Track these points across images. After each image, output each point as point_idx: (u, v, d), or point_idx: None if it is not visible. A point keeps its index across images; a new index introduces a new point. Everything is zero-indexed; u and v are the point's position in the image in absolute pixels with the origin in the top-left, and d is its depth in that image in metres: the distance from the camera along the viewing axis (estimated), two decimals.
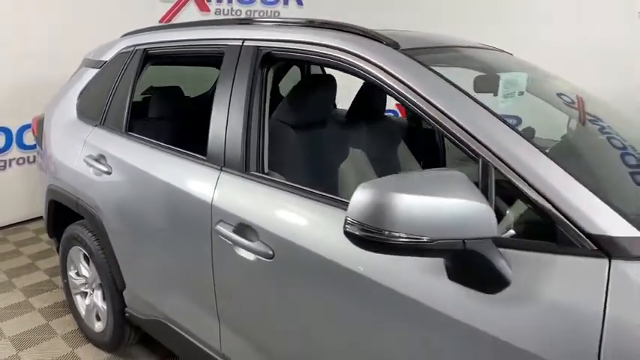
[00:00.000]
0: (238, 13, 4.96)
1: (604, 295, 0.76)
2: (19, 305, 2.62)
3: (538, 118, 1.76)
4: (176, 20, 4.71)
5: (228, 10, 4.92)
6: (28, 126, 3.48)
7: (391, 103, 3.08)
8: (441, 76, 1.05)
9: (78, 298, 2.30)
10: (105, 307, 2.07)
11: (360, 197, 0.80)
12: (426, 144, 2.18)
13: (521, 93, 1.33)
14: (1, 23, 3.35)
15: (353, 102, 2.03)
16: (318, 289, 1.15)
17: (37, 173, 2.65)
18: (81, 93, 2.21)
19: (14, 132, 3.72)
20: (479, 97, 1.06)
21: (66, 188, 2.11)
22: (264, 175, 1.34)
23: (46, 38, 3.52)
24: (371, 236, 0.79)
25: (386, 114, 2.23)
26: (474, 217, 0.79)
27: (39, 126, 2.45)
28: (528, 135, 0.98)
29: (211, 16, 4.89)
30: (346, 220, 0.81)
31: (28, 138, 3.74)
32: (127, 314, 1.93)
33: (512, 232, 0.91)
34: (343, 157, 1.78)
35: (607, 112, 1.57)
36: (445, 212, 0.79)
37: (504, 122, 0.96)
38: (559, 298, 0.80)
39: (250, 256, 1.26)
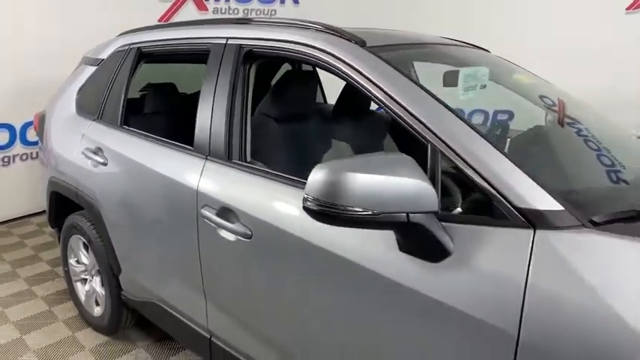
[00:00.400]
0: (236, 11, 5.06)
1: (527, 261, 0.86)
2: (22, 293, 2.75)
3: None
4: (175, 19, 4.83)
5: (225, 9, 5.02)
6: (31, 123, 3.61)
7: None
8: (400, 71, 1.16)
9: (78, 285, 2.42)
10: (103, 292, 2.19)
11: (316, 176, 0.90)
12: (411, 138, 2.28)
13: (484, 86, 1.44)
14: (4, 25, 3.47)
15: (339, 97, 2.14)
16: (292, 265, 1.26)
17: (39, 168, 2.77)
18: (80, 89, 2.33)
19: (18, 129, 3.84)
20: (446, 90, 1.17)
21: (66, 180, 2.23)
22: (245, 164, 1.45)
23: (47, 38, 3.64)
24: (326, 210, 0.90)
25: (373, 109, 2.34)
26: (416, 193, 0.90)
27: (40, 121, 2.58)
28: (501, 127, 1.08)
29: (209, 15, 4.99)
30: (304, 196, 0.92)
31: (31, 135, 3.87)
32: (123, 297, 2.05)
33: (458, 209, 1.01)
34: (327, 149, 1.89)
35: (577, 107, 1.66)
36: (391, 189, 0.89)
37: (451, 111, 1.06)
38: (492, 265, 0.90)
39: (231, 237, 1.37)
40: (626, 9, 4.02)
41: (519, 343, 0.84)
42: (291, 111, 1.74)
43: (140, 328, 2.34)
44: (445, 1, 4.93)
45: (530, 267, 0.85)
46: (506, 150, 1.31)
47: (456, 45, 1.82)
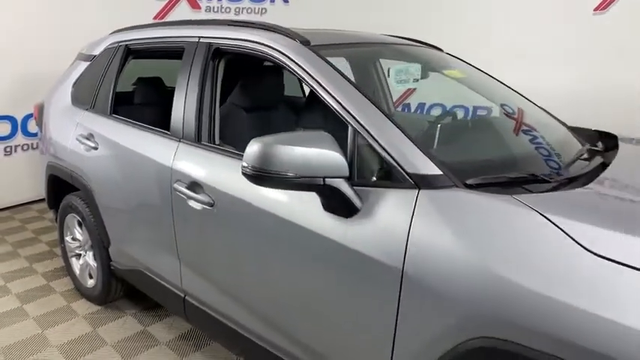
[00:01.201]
0: (227, 10, 5.29)
1: (412, 212, 1.10)
2: (23, 270, 3.00)
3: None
4: (169, 17, 5.08)
5: (217, 8, 5.26)
6: (31, 115, 3.87)
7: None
8: (333, 67, 1.40)
9: (73, 260, 2.68)
10: (95, 265, 2.45)
11: (252, 148, 1.15)
12: (340, 120, 2.52)
13: (417, 80, 1.68)
14: (6, 24, 3.72)
15: (310, 90, 2.38)
16: (245, 226, 1.50)
17: (39, 158, 3.01)
18: (75, 82, 2.58)
19: (19, 120, 4.10)
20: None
21: (62, 163, 2.48)
22: (212, 145, 1.69)
23: (47, 36, 3.89)
24: (259, 174, 1.15)
25: None
26: (330, 162, 1.14)
27: (39, 112, 2.83)
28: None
29: (202, 13, 5.23)
30: (242, 164, 1.17)
31: (32, 126, 4.13)
32: (112, 267, 2.31)
33: (374, 178, 1.26)
34: None
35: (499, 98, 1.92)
36: (311, 158, 1.14)
37: (369, 99, 1.30)
38: (387, 217, 1.15)
39: (198, 206, 1.62)
40: (593, 10, 4.23)
41: (403, 275, 1.09)
42: (257, 101, 1.98)
43: (129, 299, 2.60)
44: (431, 3, 5.13)
45: (413, 217, 1.10)
46: (437, 132, 1.57)
47: (408, 45, 2.06)
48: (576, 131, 1.96)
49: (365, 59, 1.74)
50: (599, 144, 1.75)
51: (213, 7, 5.23)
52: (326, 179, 1.15)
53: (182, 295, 1.87)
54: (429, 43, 2.38)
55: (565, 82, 4.29)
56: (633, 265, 0.86)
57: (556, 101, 4.39)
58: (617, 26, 4.09)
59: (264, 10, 5.46)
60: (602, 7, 4.20)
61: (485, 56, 4.85)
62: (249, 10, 5.41)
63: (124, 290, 2.51)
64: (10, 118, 4.09)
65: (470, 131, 1.55)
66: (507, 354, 0.94)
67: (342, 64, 1.42)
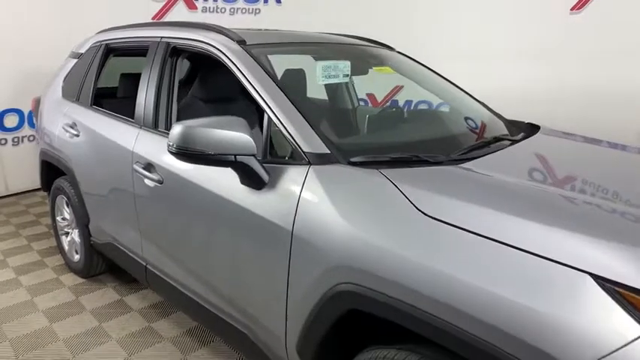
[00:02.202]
0: (222, 10, 5.55)
1: (302, 184, 1.33)
2: (22, 247, 3.32)
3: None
4: (166, 18, 5.36)
5: (213, 8, 5.52)
6: None
7: (362, 93, 3.60)
8: (258, 63, 1.63)
9: (63, 238, 2.97)
10: (79, 240, 2.73)
11: (175, 129, 1.38)
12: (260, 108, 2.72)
13: (346, 76, 1.89)
14: (14, 27, 4.06)
15: None
16: (184, 199, 1.74)
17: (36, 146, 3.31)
18: (65, 78, 2.87)
19: (25, 113, 4.44)
20: None
21: (52, 150, 2.77)
22: (167, 131, 1.93)
23: (51, 36, 4.21)
24: (181, 152, 1.38)
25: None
26: (241, 142, 1.37)
27: (36, 104, 3.13)
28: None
29: (198, 14, 5.51)
30: (168, 143, 1.40)
31: None
32: (92, 242, 2.58)
33: (281, 156, 1.48)
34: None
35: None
36: (224, 139, 1.36)
37: (282, 91, 1.53)
38: (285, 188, 1.37)
39: (151, 184, 1.87)
40: (570, 9, 4.35)
41: (293, 235, 1.31)
42: (214, 93, 2.22)
43: (110, 274, 2.88)
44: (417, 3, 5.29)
45: (303, 188, 1.32)
46: (366, 121, 1.78)
47: (354, 44, 2.27)
48: (513, 123, 2.16)
49: (305, 58, 1.96)
50: (519, 133, 1.94)
51: (209, 8, 5.49)
52: (237, 156, 1.38)
53: (144, 264, 2.13)
54: (381, 42, 2.59)
55: (540, 79, 4.43)
56: (453, 223, 1.06)
57: (533, 97, 4.55)
58: (592, 25, 4.19)
59: (257, 11, 5.70)
60: (578, 7, 4.31)
61: (464, 56, 5.03)
62: (244, 11, 5.65)
63: (105, 265, 2.78)
64: (18, 111, 4.44)
65: (378, 120, 1.75)
66: (363, 296, 1.15)
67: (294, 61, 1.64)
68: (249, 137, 1.38)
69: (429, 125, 1.91)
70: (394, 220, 1.14)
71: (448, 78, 2.50)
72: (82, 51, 2.79)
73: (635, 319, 0.82)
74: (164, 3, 5.26)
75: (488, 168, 1.38)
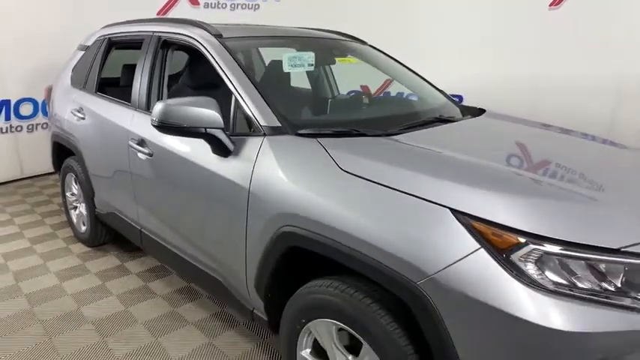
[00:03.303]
0: (224, 6, 5.85)
1: (257, 151, 1.63)
2: (36, 222, 3.69)
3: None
4: (170, 13, 5.68)
5: (215, 4, 5.83)
6: None
7: (356, 84, 3.89)
8: (231, 54, 1.93)
9: (72, 211, 3.33)
10: (86, 213, 3.08)
11: (157, 107, 1.69)
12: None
13: (311, 65, 2.19)
14: (30, 24, 4.43)
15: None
16: (170, 168, 2.06)
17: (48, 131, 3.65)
18: (73, 68, 3.21)
19: (39, 102, 4.81)
20: None
21: (62, 132, 3.11)
22: None
23: (62, 31, 4.55)
24: (161, 125, 1.69)
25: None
26: (209, 118, 1.67)
27: (48, 92, 3.48)
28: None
29: (201, 9, 5.82)
30: (151, 118, 1.72)
31: None
32: (96, 213, 2.93)
33: (244, 129, 1.78)
34: None
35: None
36: (197, 115, 1.67)
37: (248, 77, 1.83)
38: (245, 155, 1.68)
39: (143, 157, 2.20)
40: (549, 5, 4.56)
41: (250, 192, 1.62)
42: (200, 81, 2.54)
43: (114, 244, 3.23)
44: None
45: (258, 154, 1.63)
46: (328, 104, 2.08)
47: (326, 38, 2.57)
48: (466, 108, 2.45)
49: (275, 50, 2.27)
50: (466, 116, 2.23)
51: (211, 3, 5.80)
52: (207, 129, 1.69)
53: (139, 229, 2.46)
54: (354, 36, 2.88)
55: (521, 74, 4.66)
56: (363, 176, 1.36)
57: (514, 89, 4.78)
58: (570, 21, 4.40)
59: (257, 6, 5.99)
60: (557, 2, 4.52)
61: (444, 52, 5.28)
62: (244, 6, 5.95)
63: (108, 235, 3.13)
64: (32, 101, 4.81)
65: (340, 103, 2.04)
66: (299, 235, 1.46)
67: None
68: (217, 114, 1.69)
69: (383, 108, 2.21)
70: (321, 176, 1.44)
71: (422, 71, 2.80)
72: (88, 44, 3.12)
73: (475, 239, 1.11)
74: None
75: (412, 139, 1.67)
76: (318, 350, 1.58)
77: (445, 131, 1.86)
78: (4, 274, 2.84)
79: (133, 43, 2.62)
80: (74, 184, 3.19)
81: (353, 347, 1.46)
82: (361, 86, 4.79)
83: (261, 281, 1.65)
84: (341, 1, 5.82)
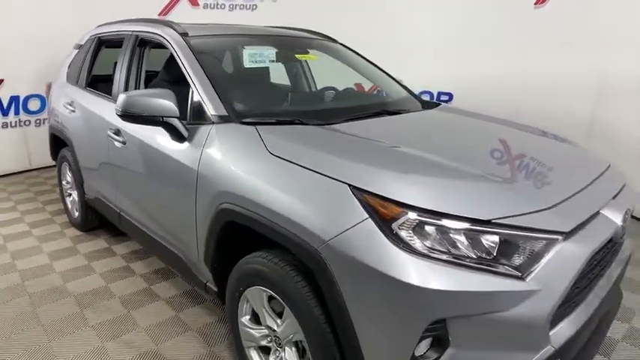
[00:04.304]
0: (222, 6, 6.07)
1: (207, 136, 1.82)
2: (36, 209, 3.96)
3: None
4: (171, 13, 5.93)
5: (213, 4, 6.05)
6: None
7: (350, 82, 4.06)
8: (192, 50, 2.12)
9: (67, 199, 3.58)
10: (77, 199, 3.32)
11: (120, 97, 1.89)
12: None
13: (272, 61, 2.37)
14: (37, 25, 4.72)
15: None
16: (138, 154, 2.26)
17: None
18: (69, 65, 3.45)
19: (46, 98, 5.10)
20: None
21: (57, 124, 3.36)
22: None
23: (68, 32, 4.77)
24: (124, 114, 1.89)
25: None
26: (166, 107, 1.87)
27: (48, 88, 3.75)
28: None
29: (200, 10, 6.05)
30: (115, 108, 1.92)
31: None
32: (85, 199, 3.16)
33: (198, 118, 1.97)
34: None
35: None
36: (155, 105, 1.86)
37: (205, 71, 2.02)
38: (197, 140, 1.86)
39: (119, 145, 2.41)
40: (535, 4, 4.63)
41: (198, 173, 1.80)
42: (175, 76, 2.73)
43: (103, 230, 3.46)
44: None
45: (206, 139, 1.82)
46: (289, 97, 2.26)
47: (293, 36, 2.74)
48: (426, 102, 2.60)
49: (234, 46, 2.47)
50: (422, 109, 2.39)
51: (210, 4, 6.03)
52: (164, 118, 1.88)
53: (118, 211, 2.68)
54: (325, 34, 3.04)
55: (509, 71, 4.75)
56: (285, 158, 1.53)
57: (500, 87, 4.87)
58: (554, 19, 4.46)
59: (254, 7, 6.19)
60: (541, 1, 4.59)
61: (424, 51, 5.39)
62: (242, 7, 6.15)
63: (97, 220, 3.36)
64: (40, 97, 5.11)
65: (300, 97, 2.21)
66: (234, 211, 1.63)
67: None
68: (172, 104, 1.88)
69: (340, 101, 2.38)
70: (252, 158, 1.62)
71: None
72: (82, 42, 3.37)
73: (365, 210, 1.27)
74: (169, 0, 5.82)
75: (348, 128, 1.83)
76: (256, 317, 1.76)
77: (382, 122, 2.02)
78: (2, 253, 3.09)
79: (117, 42, 2.84)
80: (68, 172, 3.44)
81: (281, 313, 1.63)
82: (355, 84, 4.96)
83: (208, 254, 1.84)
84: (336, 0, 5.97)
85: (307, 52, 2.62)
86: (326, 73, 3.09)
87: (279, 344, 1.64)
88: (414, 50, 5.46)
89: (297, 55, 2.61)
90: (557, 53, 4.48)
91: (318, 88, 3.26)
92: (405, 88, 2.83)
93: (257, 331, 1.72)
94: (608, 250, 1.49)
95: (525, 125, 2.26)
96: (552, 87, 4.57)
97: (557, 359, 1.27)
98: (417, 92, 6.08)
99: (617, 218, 1.46)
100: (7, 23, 4.67)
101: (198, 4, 5.99)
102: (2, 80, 4.83)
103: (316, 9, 5.90)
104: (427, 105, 2.54)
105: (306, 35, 2.86)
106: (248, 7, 6.18)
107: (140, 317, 2.37)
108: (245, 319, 1.78)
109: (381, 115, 2.13)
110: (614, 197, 1.57)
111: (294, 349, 1.60)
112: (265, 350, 1.74)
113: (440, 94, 5.85)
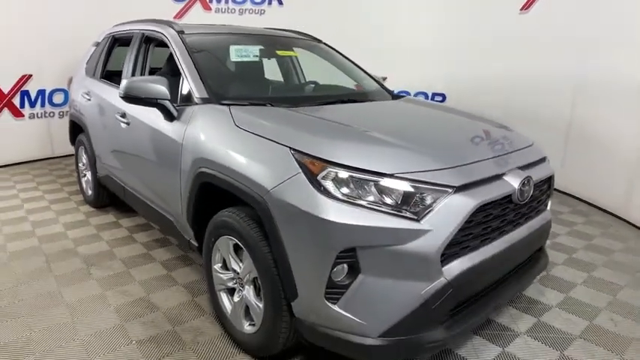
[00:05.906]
0: (233, 11, 6.51)
1: (190, 116, 2.19)
2: (56, 190, 4.43)
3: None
4: (185, 17, 6.39)
5: (225, 9, 6.49)
6: None
7: (331, 76, 4.43)
8: (185, 45, 2.51)
9: (82, 179, 4.02)
10: (91, 179, 3.75)
11: (123, 83, 2.28)
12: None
13: (256, 56, 2.74)
14: (61, 24, 5.22)
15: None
16: (140, 133, 2.65)
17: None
18: (87, 61, 3.91)
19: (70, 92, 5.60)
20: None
21: (76, 112, 3.81)
22: None
23: (88, 32, 5.25)
24: (126, 96, 2.28)
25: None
26: (160, 91, 2.25)
27: (69, 82, 4.21)
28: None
29: (212, 14, 6.50)
30: (119, 92, 2.31)
31: None
32: (98, 176, 3.59)
33: (186, 101, 2.35)
34: None
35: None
36: (151, 89, 2.25)
37: (195, 64, 2.39)
38: (184, 119, 2.24)
39: (124, 126, 2.82)
40: (520, 9, 4.88)
41: (182, 145, 2.18)
42: (175, 70, 3.13)
43: (114, 207, 3.89)
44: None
45: (191, 118, 2.19)
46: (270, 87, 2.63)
47: (278, 36, 3.11)
48: (395, 95, 2.93)
49: (225, 42, 2.86)
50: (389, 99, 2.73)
51: (221, 9, 6.47)
52: (158, 100, 2.27)
53: (122, 185, 3.09)
54: (310, 35, 3.41)
55: (497, 74, 5.02)
56: (248, 129, 1.89)
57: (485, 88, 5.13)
58: (538, 23, 4.71)
59: (262, 12, 6.61)
60: (527, 6, 4.84)
61: (415, 53, 5.69)
62: (251, 11, 6.58)
63: (108, 198, 3.78)
64: (63, 90, 5.61)
65: (279, 87, 2.57)
66: (208, 174, 2.00)
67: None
68: (165, 88, 2.26)
69: (313, 92, 2.74)
70: (222, 130, 1.99)
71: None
72: (99, 40, 3.81)
73: (299, 166, 1.62)
74: (183, 4, 6.28)
75: (308, 111, 2.18)
76: (225, 265, 2.11)
77: (341, 107, 2.38)
78: (24, 223, 3.54)
79: (128, 39, 3.26)
80: (84, 155, 3.88)
81: (242, 260, 1.98)
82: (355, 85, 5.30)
83: (189, 213, 2.21)
84: (338, 3, 6.32)
85: (291, 50, 2.99)
86: (310, 69, 3.45)
87: (242, 285, 1.99)
88: (414, 53, 5.76)
89: (278, 52, 2.98)
90: (539, 58, 4.71)
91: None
92: (379, 82, 3.16)
93: (225, 275, 2.08)
94: (509, 209, 1.79)
95: (475, 115, 2.56)
96: (535, 88, 4.79)
97: (450, 289, 1.58)
98: (413, 93, 6.40)
99: (515, 182, 1.76)
100: (36, 24, 5.20)
101: (210, 9, 6.44)
102: (31, 75, 5.36)
103: (321, 14, 6.27)
104: (396, 97, 2.87)
105: (292, 35, 3.24)
106: (257, 11, 6.59)
107: (137, 274, 2.76)
108: (217, 266, 2.13)
109: (344, 102, 2.48)
110: (521, 167, 1.87)
111: (252, 287, 1.94)
112: (231, 292, 2.09)
113: (434, 94, 6.15)
